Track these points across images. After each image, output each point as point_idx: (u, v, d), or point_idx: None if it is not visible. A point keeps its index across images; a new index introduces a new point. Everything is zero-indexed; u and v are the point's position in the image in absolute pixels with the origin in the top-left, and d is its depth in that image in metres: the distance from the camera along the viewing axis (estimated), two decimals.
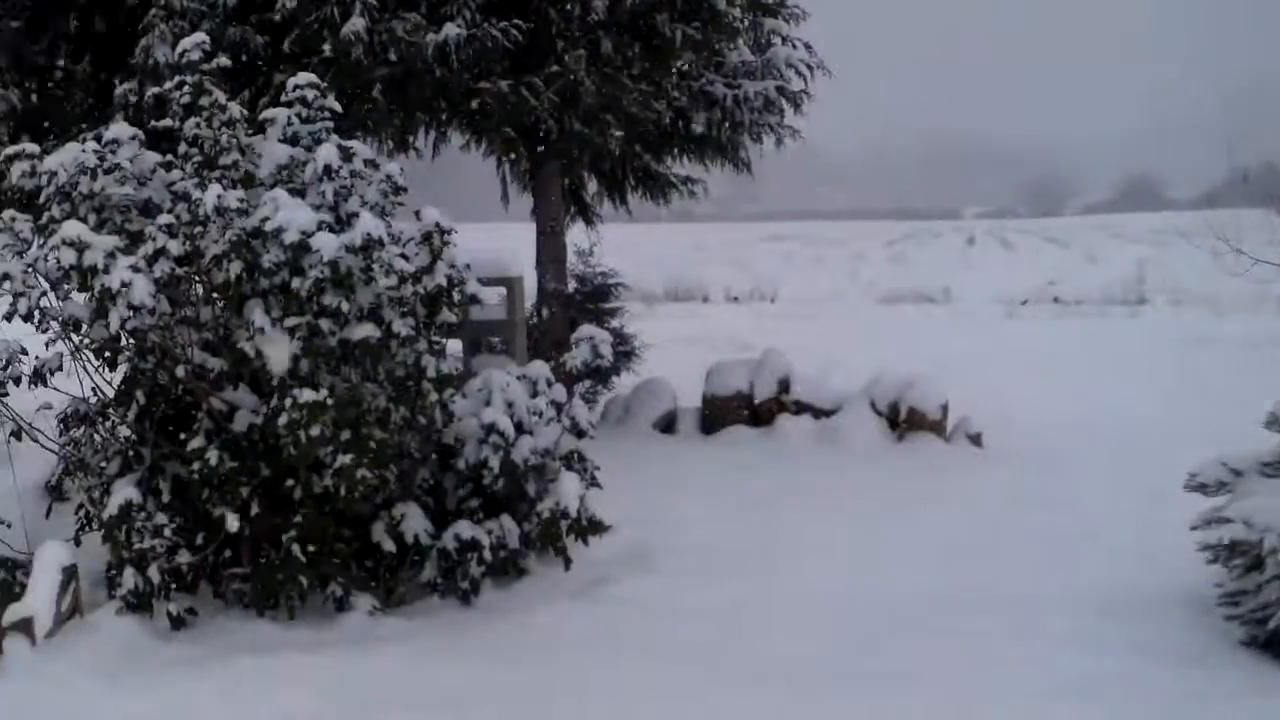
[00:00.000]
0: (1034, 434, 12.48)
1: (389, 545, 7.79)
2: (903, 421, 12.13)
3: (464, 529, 7.79)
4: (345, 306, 7.31)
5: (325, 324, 7.30)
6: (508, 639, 7.24)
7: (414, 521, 7.80)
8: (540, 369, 8.41)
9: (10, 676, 6.63)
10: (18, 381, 7.81)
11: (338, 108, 8.32)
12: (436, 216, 7.74)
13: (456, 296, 7.89)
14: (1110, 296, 30.60)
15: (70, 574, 7.35)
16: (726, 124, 13.38)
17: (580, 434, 8.38)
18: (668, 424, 12.78)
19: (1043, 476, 10.88)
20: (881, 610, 7.58)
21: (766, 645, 7.02)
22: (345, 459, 7.31)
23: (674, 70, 12.34)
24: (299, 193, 7.66)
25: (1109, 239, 45.47)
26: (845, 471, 11.00)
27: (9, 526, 8.05)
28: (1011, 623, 7.32)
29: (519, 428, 8.01)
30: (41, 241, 7.84)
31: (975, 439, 12.14)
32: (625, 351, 14.23)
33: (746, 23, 13.42)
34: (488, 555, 7.79)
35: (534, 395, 8.25)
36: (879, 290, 33.07)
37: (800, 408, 12.52)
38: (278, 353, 7.25)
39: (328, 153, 7.66)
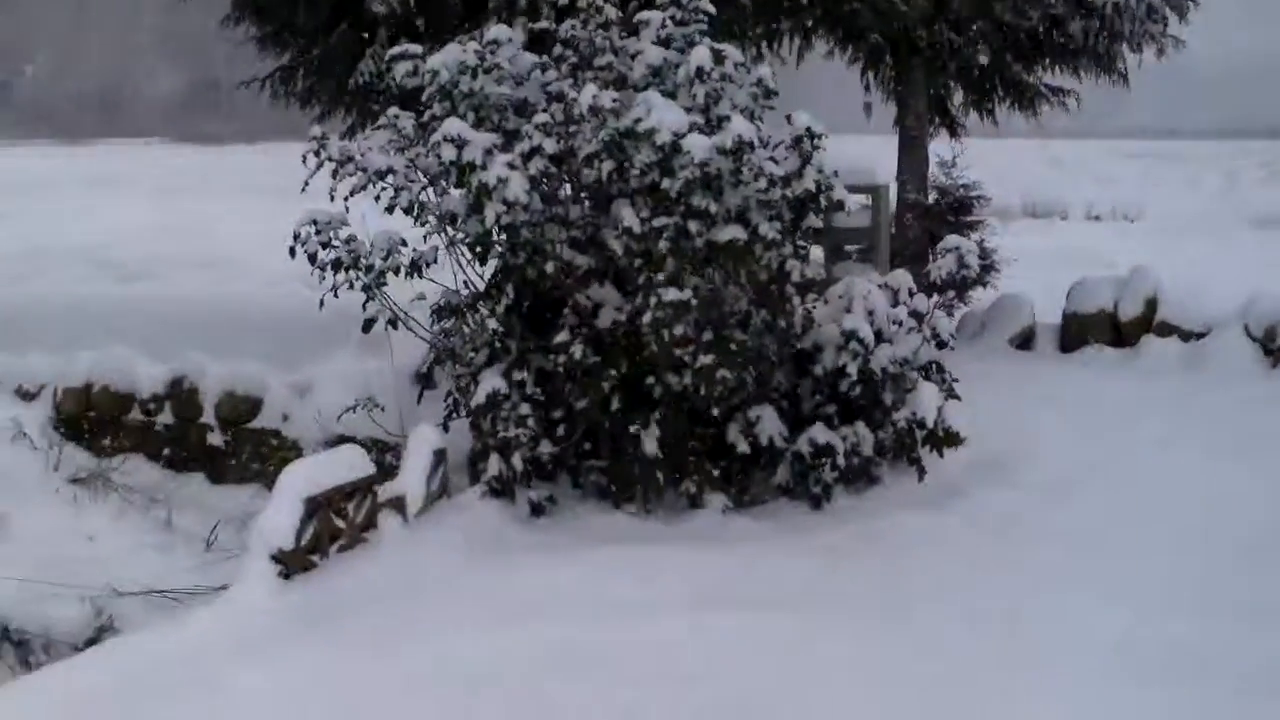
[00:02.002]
0: None
1: (743, 446, 7.84)
2: (1279, 348, 11.53)
3: (819, 434, 7.78)
4: (713, 208, 7.35)
5: (693, 225, 7.36)
6: (855, 544, 7.20)
7: (769, 424, 7.84)
8: (903, 278, 8.28)
9: (383, 549, 7.01)
10: (396, 272, 8.16)
11: (712, 10, 8.33)
12: (808, 121, 7.65)
13: (823, 202, 7.80)
14: None
15: (439, 457, 7.69)
16: (1105, 33, 12.84)
17: (941, 344, 8.23)
18: (1025, 340, 12.47)
19: None
20: (1239, 539, 7.21)
21: (1115, 565, 6.80)
22: (706, 359, 7.40)
23: None
24: (670, 95, 7.70)
25: None
26: (1212, 396, 10.47)
27: (383, 410, 8.47)
28: None
29: (878, 336, 7.93)
30: (423, 138, 8.15)
31: None
32: (986, 265, 13.93)
33: None
34: (841, 461, 7.77)
35: (895, 304, 8.14)
36: (1252, 212, 31.31)
37: (1167, 329, 12.00)
38: None
39: (700, 55, 7.67)
